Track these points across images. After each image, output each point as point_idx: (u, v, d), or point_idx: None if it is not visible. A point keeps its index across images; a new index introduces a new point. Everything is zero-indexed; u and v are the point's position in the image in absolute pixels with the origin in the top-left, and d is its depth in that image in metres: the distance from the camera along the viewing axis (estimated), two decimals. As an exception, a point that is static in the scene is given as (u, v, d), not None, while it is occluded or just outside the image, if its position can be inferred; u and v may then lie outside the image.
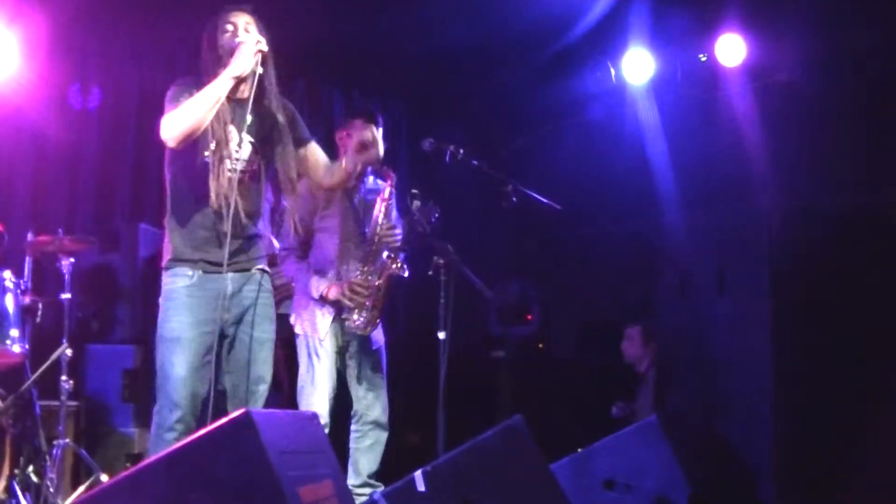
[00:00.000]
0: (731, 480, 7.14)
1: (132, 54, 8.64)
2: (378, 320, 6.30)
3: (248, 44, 5.04)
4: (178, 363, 5.08)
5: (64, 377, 6.72)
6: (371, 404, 6.37)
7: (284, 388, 7.08)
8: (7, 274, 6.46)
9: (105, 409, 7.52)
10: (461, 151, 6.42)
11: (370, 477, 6.36)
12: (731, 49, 8.49)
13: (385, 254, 6.26)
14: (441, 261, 6.27)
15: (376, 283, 6.22)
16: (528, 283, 9.61)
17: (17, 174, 7.97)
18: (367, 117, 6.37)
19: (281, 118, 5.26)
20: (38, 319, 6.73)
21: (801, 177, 8.09)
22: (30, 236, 6.88)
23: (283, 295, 6.93)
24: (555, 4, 8.45)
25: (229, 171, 5.08)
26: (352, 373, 6.39)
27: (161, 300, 5.25)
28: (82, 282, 7.26)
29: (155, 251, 8.10)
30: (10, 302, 6.41)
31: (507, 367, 9.23)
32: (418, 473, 4.70)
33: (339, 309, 6.28)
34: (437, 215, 6.40)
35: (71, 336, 6.83)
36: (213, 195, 5.06)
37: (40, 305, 6.77)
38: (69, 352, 6.74)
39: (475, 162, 6.50)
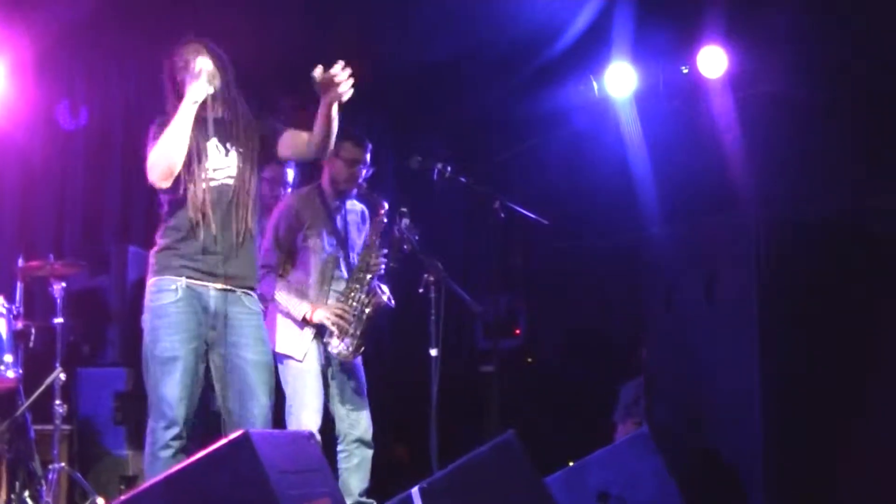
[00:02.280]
0: (723, 491, 7.16)
1: (118, 75, 8.65)
2: (363, 347, 6.32)
3: (193, 70, 5.20)
4: (172, 382, 5.12)
5: (58, 401, 6.73)
6: (354, 422, 6.37)
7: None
8: (-1, 299, 6.48)
9: (98, 432, 7.52)
10: (448, 169, 6.48)
11: (361, 495, 6.37)
12: (713, 61, 8.54)
13: (374, 282, 6.31)
14: (430, 277, 6.30)
15: (364, 311, 6.26)
16: (515, 298, 9.63)
17: (4, 198, 7.96)
18: (355, 140, 6.43)
19: (251, 124, 5.42)
20: (30, 344, 6.75)
21: (786, 187, 8.13)
22: (20, 261, 6.90)
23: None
24: (536, 19, 8.49)
25: (207, 185, 5.20)
26: (333, 392, 6.39)
27: (147, 317, 5.30)
28: (73, 305, 7.24)
29: (144, 274, 8.12)
30: (2, 327, 6.43)
31: (496, 381, 9.24)
32: (415, 490, 4.72)
33: (319, 329, 6.30)
34: (416, 237, 6.44)
35: (63, 360, 6.84)
36: (189, 210, 5.18)
37: (32, 330, 6.79)
38: (62, 376, 6.76)
39: (462, 179, 6.55)
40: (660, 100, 9.10)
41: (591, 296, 9.43)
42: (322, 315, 6.24)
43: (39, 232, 8.11)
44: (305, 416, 6.22)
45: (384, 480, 6.46)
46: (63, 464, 6.79)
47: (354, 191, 6.52)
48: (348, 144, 6.40)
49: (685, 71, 8.79)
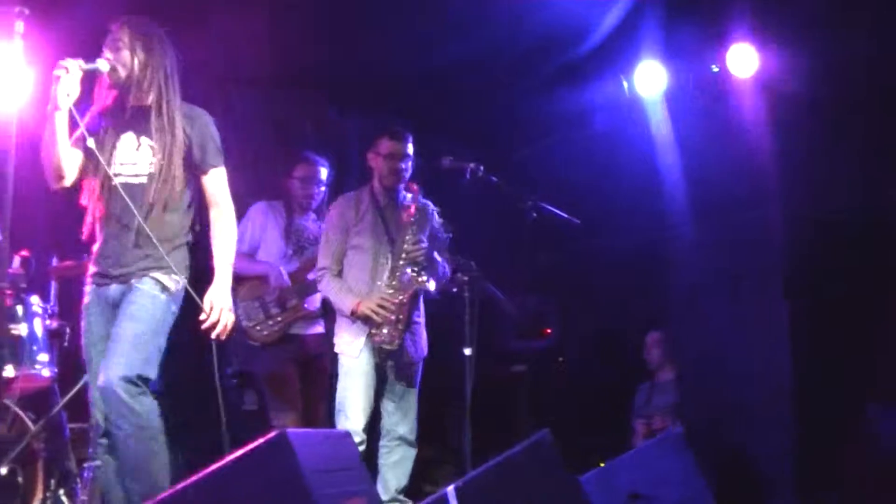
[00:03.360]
0: (753, 490, 7.17)
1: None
2: (404, 333, 6.33)
3: (59, 71, 4.91)
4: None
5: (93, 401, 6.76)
6: (399, 420, 6.43)
7: (299, 407, 7.09)
8: (34, 299, 6.52)
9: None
10: (481, 169, 6.50)
11: (398, 493, 6.40)
12: (743, 59, 8.51)
13: (410, 269, 6.31)
14: (464, 277, 6.34)
15: (401, 298, 6.27)
16: (545, 297, 9.64)
17: (37, 200, 7.99)
18: (392, 134, 6.51)
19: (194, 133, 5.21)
20: (65, 343, 6.77)
21: (813, 186, 8.12)
22: (54, 261, 6.94)
23: (295, 316, 6.99)
24: (565, 18, 8.48)
25: (109, 183, 5.06)
26: (383, 389, 6.44)
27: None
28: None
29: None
30: (38, 326, 6.46)
31: (528, 381, 9.26)
32: (451, 489, 4.73)
33: (369, 325, 6.33)
34: (449, 237, 6.48)
35: (98, 360, 6.87)
36: (90, 209, 5.14)
37: (67, 329, 6.82)
38: (98, 375, 6.79)
39: (494, 179, 6.57)
40: (689, 99, 9.08)
41: (620, 295, 9.42)
42: (366, 306, 6.29)
43: (72, 232, 8.13)
44: (352, 413, 6.28)
45: (418, 479, 6.48)
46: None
47: (401, 185, 6.54)
48: (385, 139, 6.53)
49: (715, 69, 8.77)
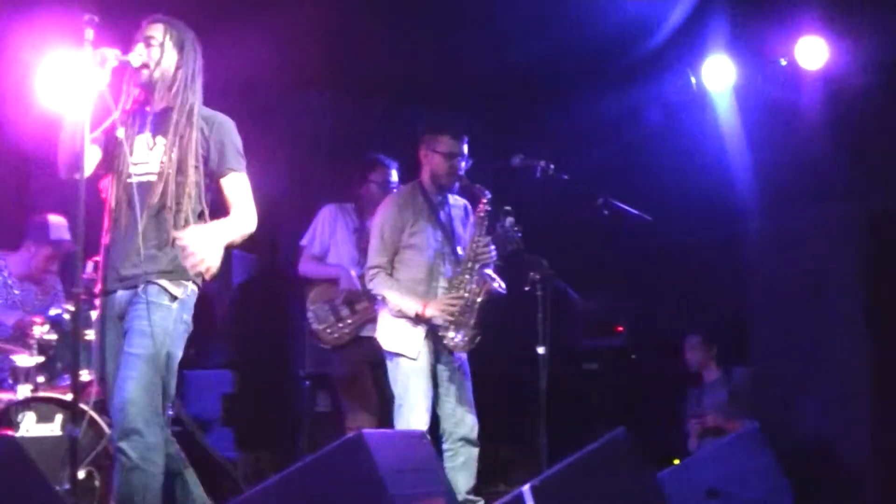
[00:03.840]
0: (833, 487, 7.10)
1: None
2: (478, 337, 6.28)
3: (93, 60, 4.74)
4: None
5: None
6: (460, 421, 6.32)
7: (373, 408, 7.11)
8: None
9: (205, 433, 7.61)
10: (551, 167, 6.46)
11: (468, 493, 6.35)
12: (812, 52, 8.41)
13: (482, 271, 6.26)
14: (536, 275, 6.29)
15: (475, 300, 6.23)
16: (616, 295, 9.60)
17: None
18: (451, 132, 6.46)
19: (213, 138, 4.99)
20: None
21: (890, 178, 8.01)
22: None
23: (365, 318, 6.98)
24: (632, 14, 8.45)
25: (124, 183, 4.85)
26: (440, 391, 6.35)
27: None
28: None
29: (248, 276, 8.23)
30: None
31: (600, 379, 9.22)
32: (526, 488, 4.69)
33: (431, 326, 6.27)
34: (519, 235, 6.45)
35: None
36: (112, 203, 4.88)
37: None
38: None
39: (565, 176, 6.54)
40: (758, 92, 8.99)
41: (692, 291, 9.36)
42: (434, 309, 6.22)
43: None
44: (415, 415, 6.19)
45: (492, 479, 6.46)
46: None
47: (456, 185, 6.51)
48: (445, 138, 6.45)
49: (783, 63, 8.68)
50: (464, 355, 6.42)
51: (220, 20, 7.75)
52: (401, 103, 9.88)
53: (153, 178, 4.81)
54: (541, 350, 6.21)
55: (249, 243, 8.63)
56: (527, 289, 6.31)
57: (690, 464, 6.44)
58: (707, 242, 9.28)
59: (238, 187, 5.04)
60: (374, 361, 6.94)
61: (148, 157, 4.87)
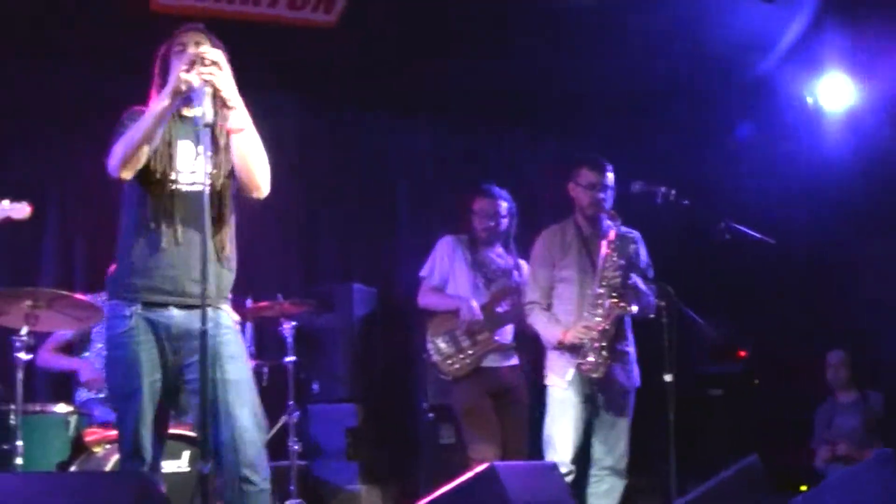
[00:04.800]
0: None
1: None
2: (609, 362, 6.25)
3: (184, 59, 4.48)
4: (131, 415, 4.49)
5: (293, 438, 6.88)
6: (609, 450, 6.35)
7: (498, 439, 7.07)
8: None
9: (330, 467, 7.66)
10: (672, 192, 6.41)
11: (605, 522, 6.35)
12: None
13: (610, 295, 6.23)
14: (662, 302, 6.25)
15: (604, 325, 6.20)
16: (738, 319, 9.48)
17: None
18: (591, 163, 6.48)
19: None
20: (263, 383, 6.88)
21: None
22: (248, 303, 7.07)
23: (486, 349, 6.97)
24: (746, 36, 8.40)
25: (173, 190, 4.56)
26: (594, 419, 6.37)
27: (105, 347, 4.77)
28: (301, 344, 7.39)
29: (369, 310, 8.27)
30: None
31: (724, 405, 9.12)
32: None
33: (578, 355, 6.28)
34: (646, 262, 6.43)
35: (295, 397, 7.02)
36: (150, 214, 4.54)
37: (265, 369, 6.95)
38: (296, 413, 6.92)
39: (686, 202, 6.48)
40: (873, 110, 8.86)
41: (815, 313, 9.23)
42: (572, 335, 6.25)
43: (265, 273, 8.29)
44: (561, 445, 6.24)
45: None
46: (300, 500, 6.91)
47: (604, 215, 6.48)
48: (585, 169, 6.48)
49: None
50: (633, 385, 6.46)
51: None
52: (523, 130, 9.94)
53: (199, 188, 4.44)
54: (668, 377, 6.15)
55: (368, 275, 8.78)
56: (652, 316, 6.28)
57: (823, 490, 6.30)
58: (830, 264, 9.17)
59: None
60: (496, 392, 6.96)
61: (193, 165, 4.59)
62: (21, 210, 5.85)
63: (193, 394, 4.47)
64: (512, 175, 9.72)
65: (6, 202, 5.82)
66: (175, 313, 4.48)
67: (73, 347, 6.82)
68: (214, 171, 4.55)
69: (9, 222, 5.87)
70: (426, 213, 9.35)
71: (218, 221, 4.57)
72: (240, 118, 4.54)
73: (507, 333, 7.09)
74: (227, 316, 4.64)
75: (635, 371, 6.48)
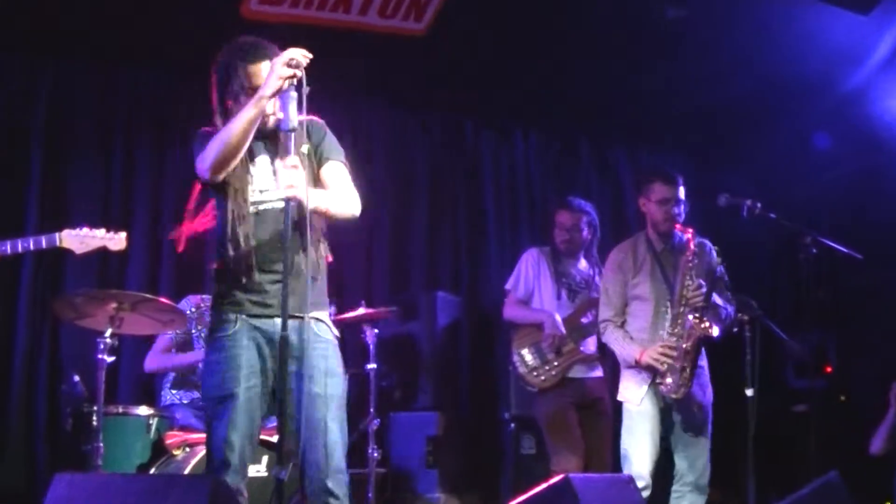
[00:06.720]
0: None
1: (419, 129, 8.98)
2: (690, 382, 6.17)
3: (279, 60, 4.38)
4: (221, 424, 4.50)
5: (373, 445, 6.91)
6: (691, 465, 6.28)
7: (580, 451, 7.05)
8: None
9: (410, 475, 7.69)
10: (758, 206, 6.35)
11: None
12: None
13: (691, 315, 6.16)
14: (745, 317, 6.20)
15: (684, 346, 6.14)
16: (825, 334, 9.38)
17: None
18: (663, 178, 6.42)
19: (313, 140, 4.69)
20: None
21: None
22: (332, 311, 7.09)
23: (572, 360, 6.96)
24: (839, 46, 8.31)
25: (253, 205, 4.58)
26: (673, 435, 6.33)
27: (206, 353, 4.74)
28: (385, 352, 7.43)
29: (452, 319, 8.29)
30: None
31: (810, 421, 9.00)
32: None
33: (653, 373, 6.23)
34: (726, 279, 6.37)
35: (377, 405, 7.04)
36: (228, 232, 4.57)
37: (347, 376, 6.97)
38: (376, 421, 6.95)
39: (772, 215, 6.42)
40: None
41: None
42: (649, 355, 6.20)
43: (347, 285, 8.35)
44: (637, 460, 6.20)
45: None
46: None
47: (677, 229, 6.43)
48: (657, 184, 6.42)
49: None
50: (707, 400, 6.39)
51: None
52: (606, 143, 9.91)
53: (280, 205, 4.42)
54: (749, 392, 6.11)
55: (454, 283, 8.80)
56: (735, 330, 6.22)
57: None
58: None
59: (337, 172, 4.70)
60: (582, 403, 6.96)
61: (270, 182, 4.60)
62: (118, 241, 5.99)
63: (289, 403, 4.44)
64: (608, 186, 9.74)
65: (102, 231, 5.93)
66: (278, 322, 4.38)
67: (180, 348, 6.89)
68: (294, 186, 4.35)
69: (104, 251, 6.00)
70: (515, 222, 9.36)
71: (305, 233, 4.42)
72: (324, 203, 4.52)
73: (591, 344, 7.09)
74: (328, 329, 4.67)
75: (709, 386, 6.42)
